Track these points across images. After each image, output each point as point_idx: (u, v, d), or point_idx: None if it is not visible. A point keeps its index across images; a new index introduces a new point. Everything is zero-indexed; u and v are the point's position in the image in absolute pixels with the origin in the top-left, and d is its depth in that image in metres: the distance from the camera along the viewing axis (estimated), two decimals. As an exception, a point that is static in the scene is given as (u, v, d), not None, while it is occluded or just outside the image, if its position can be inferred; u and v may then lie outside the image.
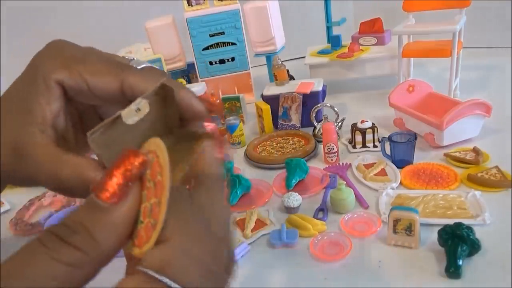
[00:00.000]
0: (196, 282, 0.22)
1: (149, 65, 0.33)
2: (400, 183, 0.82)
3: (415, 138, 0.87)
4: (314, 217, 0.76)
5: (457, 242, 0.59)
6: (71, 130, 0.33)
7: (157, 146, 0.23)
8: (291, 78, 1.33)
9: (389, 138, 0.89)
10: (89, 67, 0.30)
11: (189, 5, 1.34)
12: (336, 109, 1.08)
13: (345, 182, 0.78)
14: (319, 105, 1.10)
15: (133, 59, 0.34)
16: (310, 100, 1.14)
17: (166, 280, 0.21)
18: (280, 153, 1.02)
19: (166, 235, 0.22)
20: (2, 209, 0.99)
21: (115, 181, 0.21)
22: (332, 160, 0.95)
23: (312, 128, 1.11)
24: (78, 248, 0.20)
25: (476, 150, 0.86)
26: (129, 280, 0.21)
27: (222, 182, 0.27)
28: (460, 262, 0.57)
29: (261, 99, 1.19)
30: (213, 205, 0.25)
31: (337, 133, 1.02)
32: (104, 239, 0.21)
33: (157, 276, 0.21)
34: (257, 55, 1.44)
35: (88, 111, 0.34)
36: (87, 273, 0.21)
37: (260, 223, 0.76)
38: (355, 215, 0.74)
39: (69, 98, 0.31)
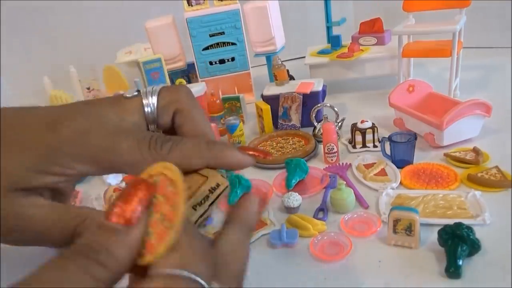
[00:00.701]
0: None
1: (164, 85, 0.33)
2: (400, 183, 0.82)
3: (415, 138, 0.87)
4: (314, 217, 0.76)
5: (457, 242, 0.59)
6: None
7: (164, 168, 0.26)
8: (291, 78, 1.33)
9: (389, 138, 0.89)
10: (121, 158, 0.29)
11: (189, 5, 1.34)
12: (336, 109, 1.08)
13: (345, 182, 0.78)
14: (319, 105, 1.10)
15: (145, 90, 0.33)
16: (310, 100, 1.14)
17: (192, 276, 0.23)
18: (280, 153, 1.02)
19: (177, 246, 0.24)
20: (2, 209, 0.99)
21: (129, 208, 0.24)
22: (332, 160, 0.95)
23: (312, 128, 1.11)
24: (103, 265, 0.23)
25: (476, 150, 0.86)
26: (150, 283, 0.23)
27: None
28: (460, 262, 0.57)
29: (261, 99, 1.19)
30: (239, 247, 0.28)
31: (337, 133, 1.02)
32: (123, 258, 0.24)
33: (184, 273, 0.23)
34: (257, 55, 1.44)
35: None
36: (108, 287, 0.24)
37: (260, 223, 0.76)
38: (355, 215, 0.74)
39: None
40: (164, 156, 0.29)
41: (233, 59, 1.40)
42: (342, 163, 0.95)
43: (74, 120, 0.29)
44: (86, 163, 0.28)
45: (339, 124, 1.08)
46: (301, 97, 1.14)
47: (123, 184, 0.95)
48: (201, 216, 0.27)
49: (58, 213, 0.28)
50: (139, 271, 0.25)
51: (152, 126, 0.32)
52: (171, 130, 0.33)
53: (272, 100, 1.17)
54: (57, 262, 0.23)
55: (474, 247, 0.59)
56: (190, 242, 0.25)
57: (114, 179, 1.02)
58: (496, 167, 0.80)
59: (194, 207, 0.27)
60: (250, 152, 0.30)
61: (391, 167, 0.88)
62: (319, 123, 1.09)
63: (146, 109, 0.31)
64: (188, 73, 1.49)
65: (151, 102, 0.32)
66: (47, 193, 0.29)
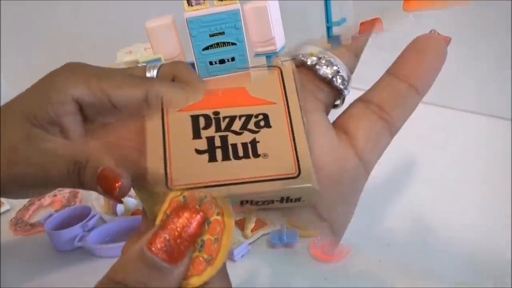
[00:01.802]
0: None
1: (163, 62, 0.35)
2: (400, 183, 0.82)
3: (415, 138, 0.87)
4: (314, 217, 0.76)
5: (457, 242, 0.59)
6: None
7: (209, 193, 0.25)
8: (291, 78, 1.33)
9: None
10: (112, 82, 0.30)
11: (189, 5, 1.34)
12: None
13: (345, 182, 0.78)
14: (319, 105, 1.10)
15: (148, 65, 0.34)
16: (310, 100, 1.13)
17: None
18: (280, 153, 1.02)
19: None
20: (2, 209, 0.99)
21: (177, 242, 0.22)
22: (332, 160, 0.95)
23: (312, 128, 1.10)
24: None
25: (476, 150, 0.86)
26: None
27: None
28: (460, 262, 0.57)
29: (261, 99, 1.19)
30: None
31: (337, 133, 1.02)
32: None
33: None
34: (257, 55, 1.44)
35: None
36: None
37: (260, 223, 0.76)
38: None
39: (84, 116, 0.31)
40: (153, 83, 0.31)
41: (233, 59, 1.39)
42: (342, 163, 0.94)
43: (79, 63, 0.34)
44: (76, 86, 0.29)
45: (339, 124, 1.08)
46: (301, 97, 1.13)
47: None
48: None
49: (64, 148, 0.29)
50: None
51: None
52: None
53: (272, 100, 1.16)
54: None
55: (474, 247, 0.59)
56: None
57: (114, 179, 1.02)
58: (496, 167, 0.80)
59: None
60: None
61: (391, 167, 0.87)
62: (319, 123, 1.08)
63: None
64: (188, 73, 1.49)
65: (152, 74, 0.35)
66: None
